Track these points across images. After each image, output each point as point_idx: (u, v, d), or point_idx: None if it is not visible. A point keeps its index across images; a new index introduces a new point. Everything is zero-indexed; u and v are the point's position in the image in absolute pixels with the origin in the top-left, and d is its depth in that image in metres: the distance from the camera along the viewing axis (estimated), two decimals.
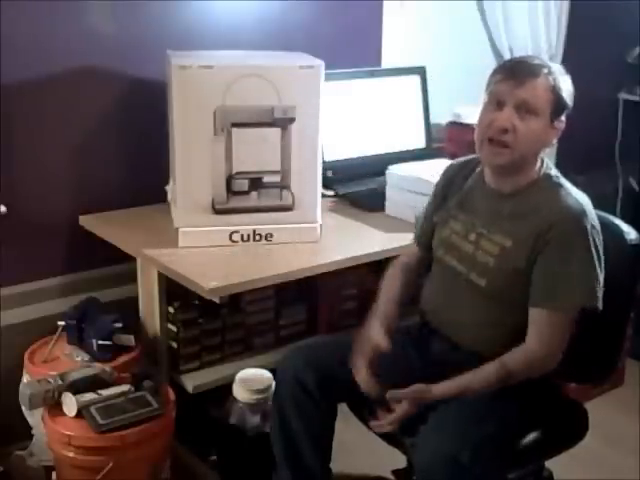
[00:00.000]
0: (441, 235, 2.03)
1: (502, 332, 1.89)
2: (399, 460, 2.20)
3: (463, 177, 2.04)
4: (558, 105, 1.83)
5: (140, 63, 2.53)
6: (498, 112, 1.82)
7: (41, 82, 2.39)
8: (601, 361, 2.08)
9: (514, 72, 1.83)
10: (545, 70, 1.82)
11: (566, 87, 1.85)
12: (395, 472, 2.35)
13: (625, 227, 2.02)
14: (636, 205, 3.92)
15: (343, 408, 2.10)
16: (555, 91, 1.82)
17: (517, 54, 3.46)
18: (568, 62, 3.55)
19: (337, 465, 2.12)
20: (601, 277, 1.84)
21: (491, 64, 3.51)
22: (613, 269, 1.98)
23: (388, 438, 2.03)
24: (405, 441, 1.95)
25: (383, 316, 2.01)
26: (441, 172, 2.12)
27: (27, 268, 2.49)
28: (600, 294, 1.83)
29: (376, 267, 2.49)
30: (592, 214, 1.86)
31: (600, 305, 1.84)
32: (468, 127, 2.82)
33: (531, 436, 1.93)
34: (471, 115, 2.98)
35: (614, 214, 2.09)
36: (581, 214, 1.83)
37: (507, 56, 3.46)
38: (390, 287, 2.09)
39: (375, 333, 1.96)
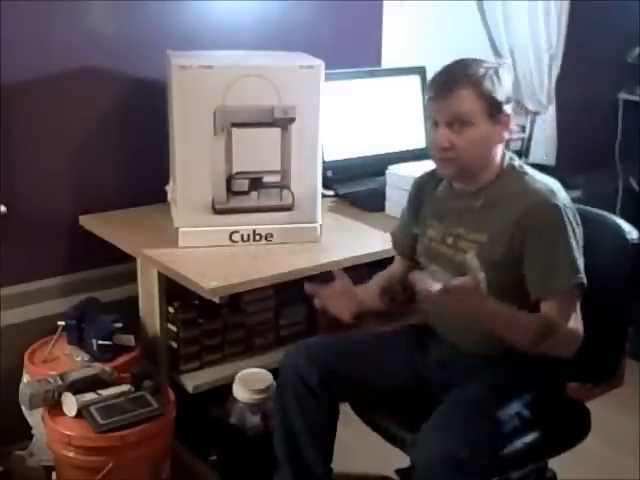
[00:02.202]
0: (422, 245, 2.05)
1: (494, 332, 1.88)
2: (400, 460, 2.19)
3: (433, 186, 2.06)
4: (492, 105, 1.83)
5: (140, 63, 2.53)
6: (437, 131, 1.85)
7: (41, 82, 2.39)
8: (603, 360, 2.08)
9: (438, 88, 1.85)
10: (466, 80, 1.81)
11: (494, 84, 1.82)
12: (399, 471, 2.35)
13: (627, 226, 2.02)
14: (636, 205, 3.92)
15: (344, 409, 2.10)
16: (484, 95, 1.81)
17: (517, 54, 3.47)
18: (568, 62, 3.58)
19: (338, 465, 2.12)
20: (581, 253, 1.85)
21: None
22: (614, 268, 1.99)
23: (389, 436, 2.03)
24: (406, 438, 1.95)
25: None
26: (410, 186, 2.14)
27: (27, 268, 2.49)
28: (582, 270, 1.84)
29: (376, 267, 2.49)
30: (561, 193, 1.87)
31: (584, 280, 1.84)
32: None
33: (532, 435, 1.93)
34: None
35: (614, 214, 2.09)
36: (550, 195, 1.84)
37: (507, 56, 3.46)
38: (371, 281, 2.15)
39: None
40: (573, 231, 1.84)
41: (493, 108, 1.83)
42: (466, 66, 1.86)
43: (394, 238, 2.19)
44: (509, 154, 1.95)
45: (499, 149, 1.91)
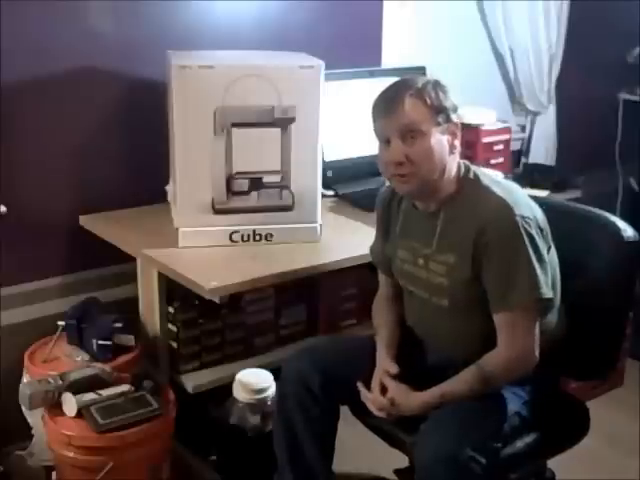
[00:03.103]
0: (396, 266, 2.04)
1: (485, 342, 1.87)
2: (400, 460, 2.19)
3: (398, 202, 2.04)
4: (438, 112, 1.83)
5: (140, 63, 2.53)
6: (389, 149, 1.85)
7: (41, 82, 2.39)
8: (600, 358, 2.08)
9: (382, 107, 1.86)
10: (409, 91, 1.82)
11: (435, 95, 1.84)
12: (397, 471, 2.35)
13: (621, 224, 2.01)
14: (636, 205, 3.92)
15: (344, 409, 2.10)
16: (428, 103, 1.82)
17: (517, 54, 3.47)
18: (568, 62, 3.58)
19: (338, 465, 2.12)
20: (544, 265, 1.82)
21: (491, 64, 3.52)
22: (610, 266, 1.99)
23: (389, 438, 2.03)
24: (406, 440, 1.95)
25: (389, 350, 2.02)
26: (376, 203, 2.12)
27: (27, 268, 2.49)
28: (544, 283, 1.81)
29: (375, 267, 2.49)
30: (518, 203, 1.83)
31: (549, 294, 1.83)
32: (467, 127, 2.82)
33: (532, 435, 1.94)
34: (470, 115, 2.98)
35: (614, 214, 2.09)
36: (506, 212, 1.80)
37: (507, 56, 3.47)
38: (383, 326, 2.08)
39: (384, 362, 1.98)
40: (533, 244, 1.81)
41: (440, 115, 1.83)
42: (405, 81, 1.88)
43: (374, 256, 2.16)
44: (464, 165, 1.92)
45: (453, 160, 1.88)
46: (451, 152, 1.86)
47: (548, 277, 1.84)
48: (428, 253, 1.92)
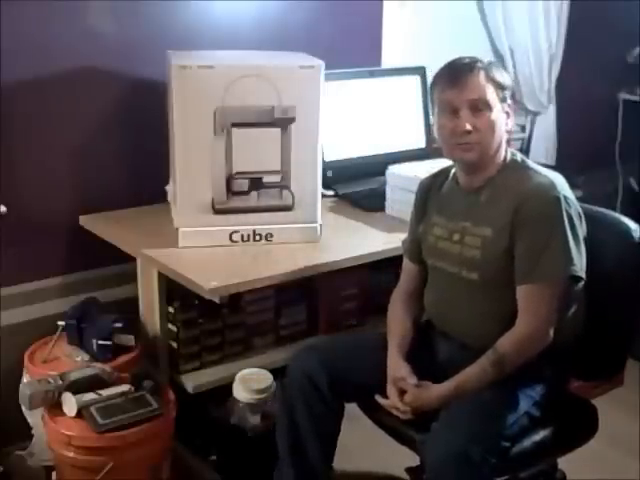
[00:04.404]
0: (428, 244, 2.06)
1: (506, 324, 1.89)
2: (406, 458, 2.19)
3: (438, 186, 2.09)
4: (503, 89, 1.92)
5: (140, 63, 2.54)
6: (456, 118, 1.90)
7: (41, 82, 2.40)
8: (607, 358, 2.09)
9: (452, 78, 1.91)
10: (477, 65, 1.90)
11: (500, 73, 1.93)
12: (409, 470, 2.35)
13: (632, 224, 2.02)
14: (636, 205, 3.91)
15: (350, 408, 2.09)
16: (493, 80, 1.90)
17: (517, 54, 3.47)
18: (568, 62, 3.58)
19: (344, 464, 2.12)
20: (580, 246, 1.87)
21: None
22: (619, 266, 2.00)
23: (399, 436, 2.03)
24: (416, 438, 1.95)
25: (401, 349, 2.02)
26: (416, 189, 2.16)
27: (27, 268, 2.49)
28: (578, 262, 1.85)
29: (376, 267, 2.49)
30: (563, 186, 1.90)
31: (581, 274, 1.86)
32: None
33: (541, 433, 1.94)
34: None
35: None
36: (549, 188, 1.87)
37: (507, 56, 3.46)
38: (397, 324, 2.09)
39: (401, 371, 1.97)
40: (571, 224, 1.86)
41: (502, 94, 1.91)
42: (472, 58, 1.95)
43: (404, 246, 2.19)
44: (511, 150, 2.00)
45: (504, 140, 1.95)
46: (508, 130, 1.95)
47: (582, 258, 1.87)
48: (466, 226, 1.96)
